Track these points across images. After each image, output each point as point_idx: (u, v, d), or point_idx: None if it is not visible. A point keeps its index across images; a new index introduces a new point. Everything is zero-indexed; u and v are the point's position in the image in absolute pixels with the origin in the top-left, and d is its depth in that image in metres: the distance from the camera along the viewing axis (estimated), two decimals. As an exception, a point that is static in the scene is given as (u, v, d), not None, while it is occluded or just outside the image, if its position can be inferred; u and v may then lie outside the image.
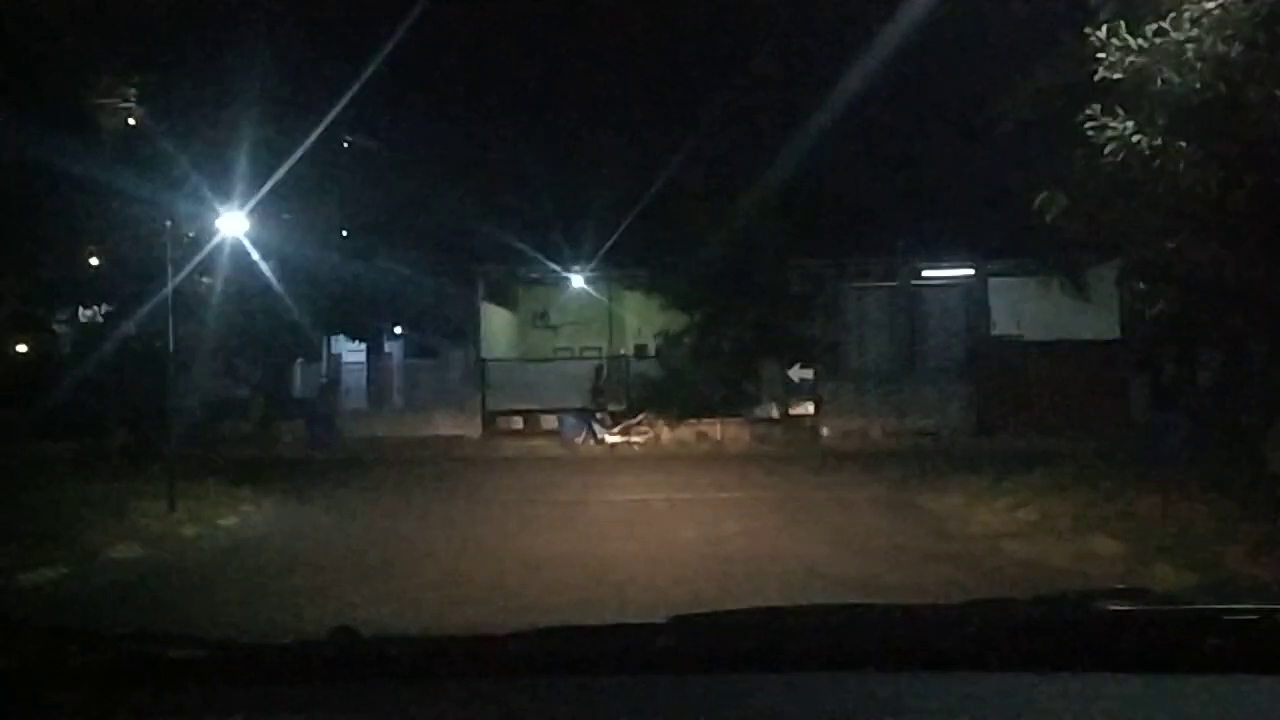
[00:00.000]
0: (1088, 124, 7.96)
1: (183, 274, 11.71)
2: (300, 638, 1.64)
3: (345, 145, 20.75)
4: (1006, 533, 9.48)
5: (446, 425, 23.95)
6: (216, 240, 13.37)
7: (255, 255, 15.78)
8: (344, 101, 14.51)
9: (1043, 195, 9.20)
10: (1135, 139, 7.75)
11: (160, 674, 1.56)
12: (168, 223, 11.27)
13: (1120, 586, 2.24)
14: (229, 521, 11.33)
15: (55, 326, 21.26)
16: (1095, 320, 24.32)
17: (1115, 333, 23.92)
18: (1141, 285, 10.83)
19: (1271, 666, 1.47)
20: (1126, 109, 7.85)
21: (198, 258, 12.87)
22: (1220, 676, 1.47)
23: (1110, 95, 8.10)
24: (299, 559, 9.19)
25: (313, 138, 14.44)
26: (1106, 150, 7.82)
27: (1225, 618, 1.66)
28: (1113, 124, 7.81)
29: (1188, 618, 1.73)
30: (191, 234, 13.95)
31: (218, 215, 14.13)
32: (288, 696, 1.51)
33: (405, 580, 7.70)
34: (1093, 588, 2.33)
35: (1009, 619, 1.74)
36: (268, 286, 19.16)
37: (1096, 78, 7.82)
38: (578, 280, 27.28)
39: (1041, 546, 8.71)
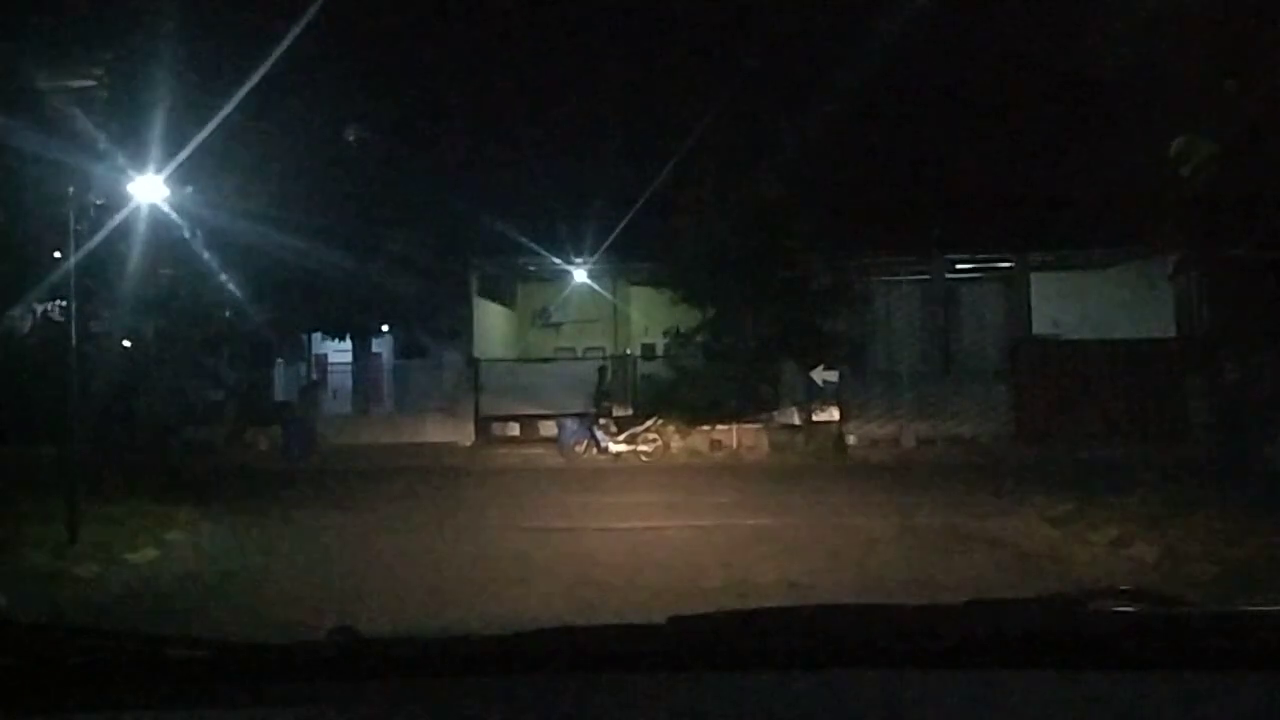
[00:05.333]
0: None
1: (85, 249, 9.69)
2: (300, 638, 1.61)
3: (328, 131, 19.07)
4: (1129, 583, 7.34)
5: (436, 432, 22.30)
6: (131, 207, 11.35)
7: (202, 240, 13.77)
8: (262, 70, 12.52)
9: (1181, 140, 7.11)
10: None
11: (160, 674, 1.56)
12: (69, 189, 9.28)
13: (1121, 587, 1.89)
14: (144, 556, 9.23)
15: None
16: (1143, 317, 22.43)
17: (1161, 330, 21.98)
18: None
19: (1271, 665, 1.45)
20: None
21: (105, 230, 10.84)
22: (1220, 676, 1.44)
23: None
24: (208, 614, 7.10)
25: (232, 104, 12.45)
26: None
27: (1225, 618, 1.71)
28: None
29: (1188, 618, 1.71)
30: (100, 202, 11.93)
31: (156, 189, 12.12)
32: (288, 696, 1.49)
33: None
34: (1092, 587, 1.73)
35: (1009, 619, 1.71)
36: (235, 280, 17.37)
37: None
38: (580, 274, 25.78)
39: (1193, 607, 6.58)
